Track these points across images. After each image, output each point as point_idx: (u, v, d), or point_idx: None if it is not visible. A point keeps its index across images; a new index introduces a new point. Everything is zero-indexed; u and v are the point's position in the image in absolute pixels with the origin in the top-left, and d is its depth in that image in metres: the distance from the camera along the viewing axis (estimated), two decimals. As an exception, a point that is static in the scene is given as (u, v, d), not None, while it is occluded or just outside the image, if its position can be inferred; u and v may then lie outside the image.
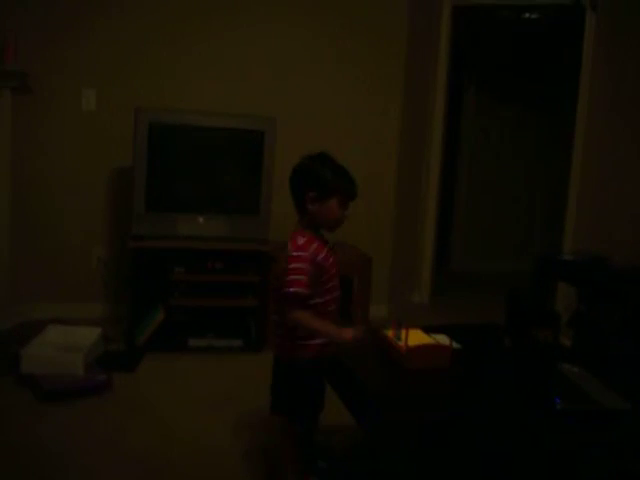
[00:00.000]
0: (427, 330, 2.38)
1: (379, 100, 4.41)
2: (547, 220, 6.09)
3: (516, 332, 2.45)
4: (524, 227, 6.36)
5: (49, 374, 3.01)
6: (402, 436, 1.76)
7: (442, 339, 2.33)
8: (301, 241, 2.13)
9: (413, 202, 4.75)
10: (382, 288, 4.46)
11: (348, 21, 4.27)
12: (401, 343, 2.22)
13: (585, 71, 3.98)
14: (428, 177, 4.77)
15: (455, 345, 2.29)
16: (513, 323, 2.50)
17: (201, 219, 3.68)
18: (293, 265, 2.08)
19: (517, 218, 6.34)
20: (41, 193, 3.99)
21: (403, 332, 2.24)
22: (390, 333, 2.31)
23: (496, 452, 1.68)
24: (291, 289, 2.06)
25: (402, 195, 4.59)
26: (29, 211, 3.96)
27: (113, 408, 2.90)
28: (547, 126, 6.17)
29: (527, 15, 5.47)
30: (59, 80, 3.93)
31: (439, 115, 4.70)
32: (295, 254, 2.10)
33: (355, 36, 4.29)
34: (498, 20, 5.60)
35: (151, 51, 4.02)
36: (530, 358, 2.34)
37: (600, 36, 3.88)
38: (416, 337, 2.27)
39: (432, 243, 4.88)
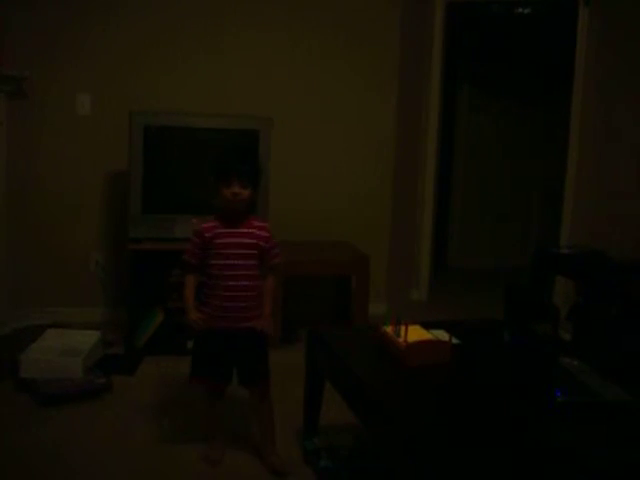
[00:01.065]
0: (426, 326, 2.39)
1: (374, 98, 4.40)
2: (543, 216, 6.09)
3: (515, 326, 2.46)
4: (521, 223, 6.35)
5: (48, 378, 3.00)
6: (402, 432, 1.76)
7: (441, 335, 2.34)
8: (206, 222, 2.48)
9: (410, 199, 4.75)
10: (380, 286, 4.46)
11: (341, 18, 4.26)
12: (400, 339, 2.22)
13: (579, 65, 3.98)
14: (424, 174, 4.77)
15: (454, 341, 2.30)
16: (512, 317, 2.50)
17: (198, 220, 3.67)
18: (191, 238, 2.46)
19: (513, 214, 6.34)
20: (37, 197, 3.98)
21: (402, 328, 2.25)
22: (389, 329, 2.32)
23: (497, 446, 1.68)
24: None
25: (399, 193, 4.59)
26: (25, 216, 3.95)
27: (113, 411, 2.89)
28: (542, 121, 6.18)
29: (520, 10, 5.48)
30: (54, 85, 3.92)
31: (434, 111, 4.69)
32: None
33: (349, 33, 4.28)
34: (491, 16, 5.60)
35: (145, 54, 4.01)
36: (529, 352, 2.34)
37: (593, 30, 3.88)
38: (415, 333, 2.28)
39: (430, 240, 4.88)
